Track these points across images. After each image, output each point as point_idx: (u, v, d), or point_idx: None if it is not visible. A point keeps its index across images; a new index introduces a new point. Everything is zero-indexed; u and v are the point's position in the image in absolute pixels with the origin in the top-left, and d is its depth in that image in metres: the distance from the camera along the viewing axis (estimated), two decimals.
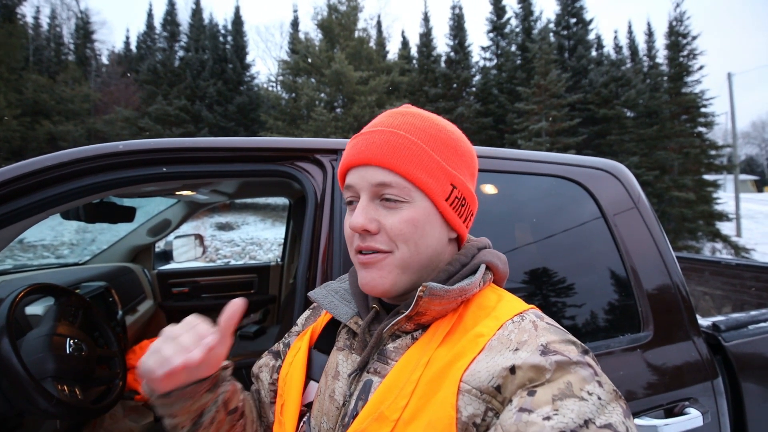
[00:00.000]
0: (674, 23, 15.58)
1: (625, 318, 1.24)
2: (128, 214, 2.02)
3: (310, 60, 19.96)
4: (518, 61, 19.78)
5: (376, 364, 0.54)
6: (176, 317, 2.79)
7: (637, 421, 1.05)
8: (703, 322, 1.34)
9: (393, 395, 0.47)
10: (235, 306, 0.56)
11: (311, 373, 0.62)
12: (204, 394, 0.57)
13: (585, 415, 0.40)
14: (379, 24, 25.60)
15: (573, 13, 19.66)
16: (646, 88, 16.56)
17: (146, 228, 2.62)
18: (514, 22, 21.24)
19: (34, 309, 1.53)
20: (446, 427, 0.43)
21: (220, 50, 23.53)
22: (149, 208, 2.66)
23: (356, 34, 21.75)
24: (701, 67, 15.29)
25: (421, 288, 0.50)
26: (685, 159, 14.80)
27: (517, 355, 0.45)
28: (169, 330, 0.54)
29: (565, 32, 19.76)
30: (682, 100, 15.19)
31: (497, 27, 21.23)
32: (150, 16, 26.53)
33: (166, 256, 2.93)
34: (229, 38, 24.45)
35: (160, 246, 2.93)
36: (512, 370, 0.44)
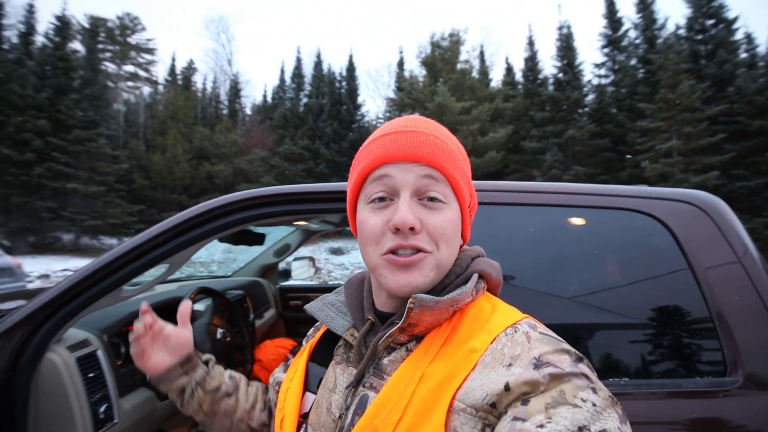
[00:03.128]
0: None
1: (706, 361, 1.16)
2: (260, 239, 2.61)
3: (413, 95, 21.08)
4: (639, 75, 17.86)
5: (372, 378, 0.54)
6: (292, 326, 3.37)
7: None
8: None
9: (387, 410, 0.48)
10: (184, 306, 0.81)
11: (307, 385, 0.64)
12: (179, 378, 0.76)
13: (579, 422, 0.39)
14: (481, 54, 25.89)
15: (709, 14, 17.12)
16: None
17: (272, 250, 3.28)
18: (632, 33, 19.42)
19: (197, 306, 2.13)
20: None
21: (336, 94, 26.46)
22: (275, 234, 3.32)
23: (458, 66, 22.33)
24: None
25: (410, 300, 0.51)
26: None
27: (511, 372, 0.45)
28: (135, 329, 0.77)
29: (700, 36, 17.25)
30: None
31: (613, 41, 19.64)
32: (282, 72, 31.58)
33: (286, 274, 3.56)
34: (344, 83, 27.38)
35: (281, 265, 3.58)
36: (506, 387, 0.44)
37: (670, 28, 18.17)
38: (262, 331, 2.84)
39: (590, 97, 19.60)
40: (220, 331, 1.88)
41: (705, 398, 1.09)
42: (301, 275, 3.45)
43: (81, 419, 1.22)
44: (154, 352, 0.78)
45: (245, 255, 3.39)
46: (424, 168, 0.53)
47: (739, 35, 17.15)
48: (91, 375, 1.29)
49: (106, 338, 1.44)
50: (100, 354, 1.36)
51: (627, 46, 19.43)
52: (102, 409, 1.28)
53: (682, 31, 17.65)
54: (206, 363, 0.83)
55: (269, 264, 3.33)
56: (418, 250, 0.53)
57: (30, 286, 7.87)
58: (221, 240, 2.37)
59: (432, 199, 0.54)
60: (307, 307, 0.67)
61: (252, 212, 1.36)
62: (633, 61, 18.78)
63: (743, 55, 17.07)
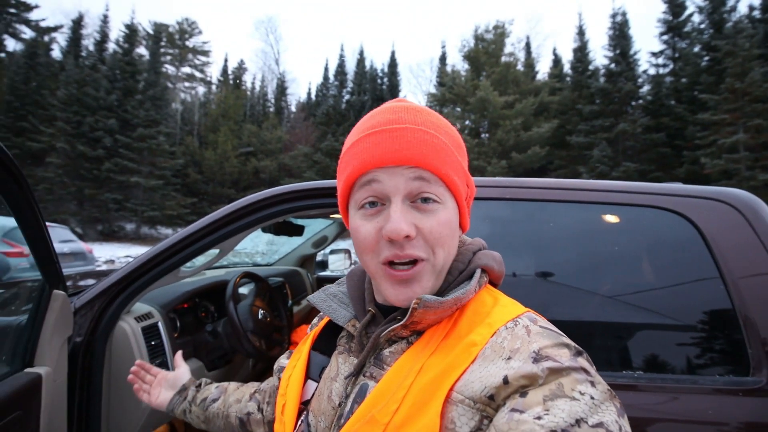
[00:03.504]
0: None
1: (729, 360, 1.16)
2: (300, 231, 2.79)
3: (455, 90, 20.79)
4: (702, 64, 16.47)
5: (372, 368, 0.54)
6: None
7: None
8: None
9: (385, 399, 0.49)
10: (177, 355, 1.10)
11: (309, 372, 0.65)
12: (181, 403, 0.96)
13: (577, 414, 0.40)
14: (528, 45, 24.98)
15: None
16: None
17: (311, 242, 3.47)
18: (696, 18, 17.89)
19: (242, 290, 2.33)
20: None
21: (378, 91, 26.69)
22: (314, 226, 3.50)
23: (503, 59, 21.71)
24: None
25: (415, 301, 0.50)
26: None
27: (510, 365, 0.45)
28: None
29: None
30: None
31: (674, 27, 18.22)
32: (326, 69, 32.21)
33: (323, 265, 3.76)
34: (386, 79, 27.53)
35: (319, 257, 3.78)
36: (505, 380, 0.44)
37: (742, 10, 16.53)
38: (299, 317, 3.03)
39: (645, 88, 18.36)
40: (261, 312, 2.06)
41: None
42: (337, 267, 3.62)
43: None
44: (160, 390, 1.02)
45: (286, 247, 3.61)
46: (415, 170, 0.51)
47: None
48: (153, 343, 1.50)
49: (165, 313, 1.65)
50: (161, 326, 1.57)
51: (690, 31, 17.93)
52: None
53: (756, 13, 16.03)
54: (198, 387, 1.01)
55: (308, 255, 3.53)
56: (416, 260, 0.51)
57: (98, 269, 8.74)
58: (264, 230, 2.58)
59: (426, 200, 0.51)
60: (309, 297, 0.67)
61: (292, 204, 1.50)
62: (696, 49, 17.33)
63: None
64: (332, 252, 3.69)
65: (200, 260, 1.65)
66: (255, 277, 2.22)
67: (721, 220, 1.25)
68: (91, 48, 24.31)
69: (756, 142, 12.03)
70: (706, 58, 16.44)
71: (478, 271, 0.56)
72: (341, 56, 29.73)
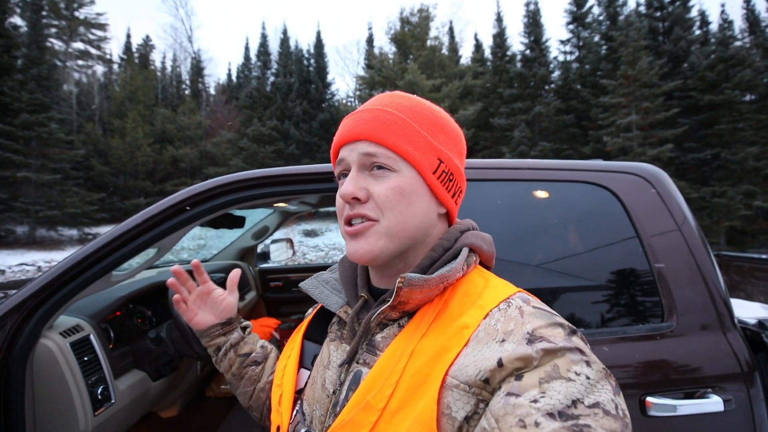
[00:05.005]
0: None
1: (648, 310, 1.34)
2: (241, 222, 2.63)
3: (384, 73, 20.82)
4: (603, 52, 18.39)
5: (365, 355, 0.55)
6: (273, 306, 3.43)
7: (655, 399, 1.16)
8: (750, 320, 1.38)
9: (379, 385, 0.49)
10: (234, 274, 0.88)
11: (302, 361, 0.66)
12: (218, 337, 0.84)
13: (573, 395, 0.40)
14: (451, 30, 25.73)
15: None
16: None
17: (251, 233, 3.29)
18: (596, 10, 19.84)
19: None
20: (428, 420, 0.44)
21: (305, 73, 25.72)
22: (253, 217, 3.32)
23: (428, 43, 22.16)
24: None
25: (399, 279, 0.51)
26: None
27: (504, 348, 0.45)
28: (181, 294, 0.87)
29: (659, 14, 17.86)
30: None
31: (578, 18, 20.02)
32: (247, 49, 30.18)
33: (265, 256, 3.59)
34: (312, 61, 26.61)
35: (259, 248, 3.61)
36: (499, 363, 0.44)
37: (632, 4, 18.67)
38: (244, 313, 2.89)
39: (556, 73, 20.05)
40: None
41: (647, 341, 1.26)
42: (279, 257, 3.49)
43: (80, 400, 1.25)
44: (202, 310, 0.86)
45: (217, 241, 3.38)
46: (365, 143, 0.56)
47: (693, 12, 17.91)
48: (86, 358, 1.33)
49: (95, 323, 1.46)
50: (93, 338, 1.39)
51: (591, 22, 19.86)
52: (99, 390, 1.33)
53: (642, 8, 18.19)
54: (244, 329, 0.89)
55: (248, 247, 3.35)
56: (364, 218, 0.55)
57: None
58: (202, 224, 2.39)
59: (380, 167, 0.56)
60: (302, 284, 0.68)
61: (238, 195, 1.40)
62: (596, 38, 19.27)
63: (697, 32, 17.86)
64: (273, 242, 3.54)
65: (135, 261, 1.48)
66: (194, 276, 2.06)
67: (635, 190, 1.43)
68: None
69: (645, 122, 13.84)
70: (605, 47, 18.39)
71: (465, 249, 0.57)
72: (263, 35, 28.01)
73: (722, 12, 19.19)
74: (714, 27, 18.55)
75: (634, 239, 1.38)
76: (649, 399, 1.17)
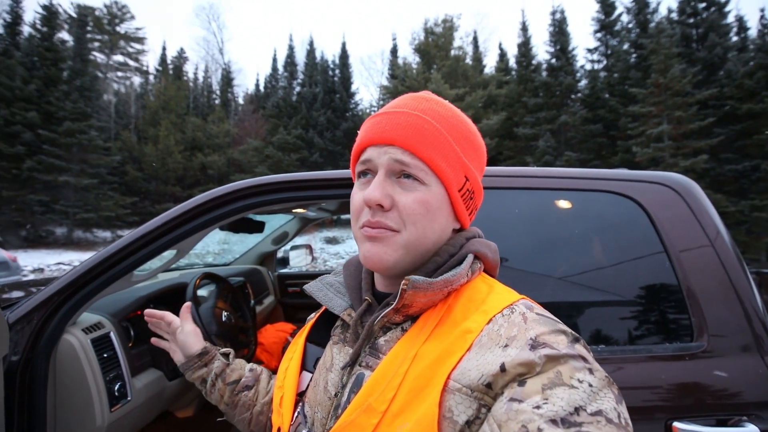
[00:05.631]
0: None
1: (676, 329, 1.27)
2: (260, 227, 2.68)
3: (407, 83, 20.97)
4: (632, 60, 17.91)
5: (368, 358, 0.54)
6: (290, 311, 3.46)
7: (683, 425, 1.08)
8: None
9: (381, 387, 0.48)
10: (184, 307, 0.96)
11: (304, 364, 0.66)
12: (198, 369, 0.85)
13: (575, 402, 0.40)
14: (475, 40, 25.71)
15: None
16: None
17: (271, 238, 3.34)
18: (625, 18, 19.40)
19: (201, 292, 2.21)
20: (429, 423, 0.44)
21: (330, 83, 26.20)
22: (273, 222, 3.38)
23: (452, 53, 22.20)
24: None
25: (404, 281, 0.51)
26: None
27: (507, 353, 0.45)
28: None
29: (692, 20, 17.26)
30: None
31: (606, 26, 19.62)
32: (274, 60, 31.07)
33: (284, 261, 3.64)
34: (337, 71, 27.10)
35: (279, 254, 3.66)
36: (502, 367, 0.44)
37: (663, 11, 18.17)
38: (262, 317, 2.93)
39: (583, 82, 19.67)
40: (224, 314, 1.96)
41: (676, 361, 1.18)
42: (298, 263, 3.53)
43: (98, 396, 1.29)
44: (177, 347, 0.92)
45: (240, 245, 3.46)
46: (397, 150, 0.54)
47: (730, 18, 17.22)
48: (105, 355, 1.37)
49: (116, 321, 1.51)
50: (113, 336, 1.44)
51: (619, 30, 19.42)
52: (116, 386, 1.36)
53: (674, 15, 17.65)
54: (226, 356, 0.90)
55: (268, 252, 3.41)
56: (385, 228, 0.54)
57: (26, 279, 7.89)
58: (222, 228, 2.44)
59: (408, 176, 0.54)
60: (306, 287, 0.67)
61: (255, 199, 1.43)
62: (625, 46, 18.80)
63: (734, 39, 17.14)
64: (293, 248, 3.58)
65: (155, 263, 1.53)
66: (215, 278, 2.10)
67: (663, 201, 1.36)
68: (0, 31, 21.11)
69: (677, 132, 13.32)
70: (634, 55, 17.90)
71: (470, 255, 0.57)
72: (290, 47, 28.81)
73: (761, 17, 18.04)
74: (753, 33, 17.76)
75: (662, 254, 1.31)
76: (677, 424, 1.09)
